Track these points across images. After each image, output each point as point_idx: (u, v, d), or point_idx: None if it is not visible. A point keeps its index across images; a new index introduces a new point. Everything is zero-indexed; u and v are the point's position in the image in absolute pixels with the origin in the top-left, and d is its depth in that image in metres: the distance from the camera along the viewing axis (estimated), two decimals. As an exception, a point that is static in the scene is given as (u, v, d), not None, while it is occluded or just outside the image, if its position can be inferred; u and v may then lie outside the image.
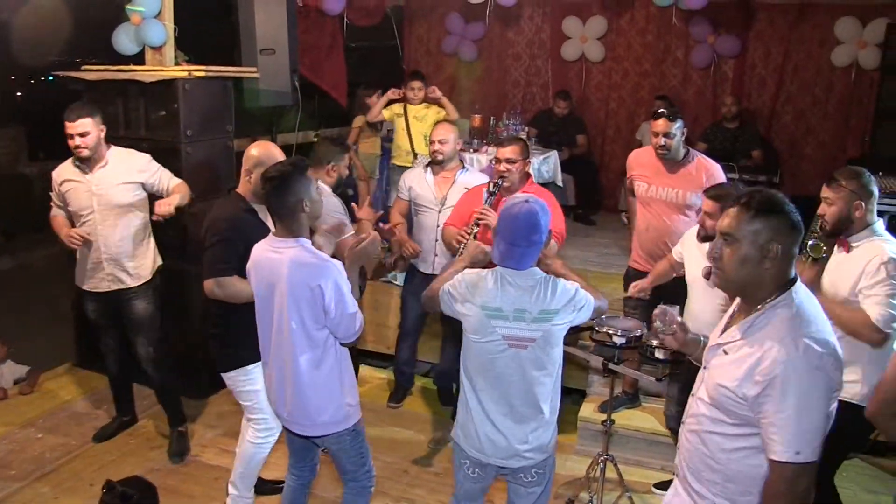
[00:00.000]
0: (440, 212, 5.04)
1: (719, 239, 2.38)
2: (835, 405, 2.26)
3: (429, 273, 5.07)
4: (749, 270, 2.31)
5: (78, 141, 4.48)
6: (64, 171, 4.67)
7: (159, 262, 4.93)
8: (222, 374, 4.01)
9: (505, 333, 3.03)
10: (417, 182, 5.18)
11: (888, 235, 3.47)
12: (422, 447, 5.16)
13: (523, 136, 7.47)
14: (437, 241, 5.06)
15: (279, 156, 3.85)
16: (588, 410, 5.21)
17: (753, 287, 2.34)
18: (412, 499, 4.60)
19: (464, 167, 5.23)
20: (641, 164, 4.85)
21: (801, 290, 2.33)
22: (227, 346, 3.95)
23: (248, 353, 3.81)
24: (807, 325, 2.24)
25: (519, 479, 3.24)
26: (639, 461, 4.99)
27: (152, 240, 4.89)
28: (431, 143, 5.13)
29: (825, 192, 3.50)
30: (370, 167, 7.37)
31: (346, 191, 4.73)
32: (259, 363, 3.77)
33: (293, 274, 3.20)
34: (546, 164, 7.36)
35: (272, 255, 3.28)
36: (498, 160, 4.52)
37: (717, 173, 4.65)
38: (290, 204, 3.22)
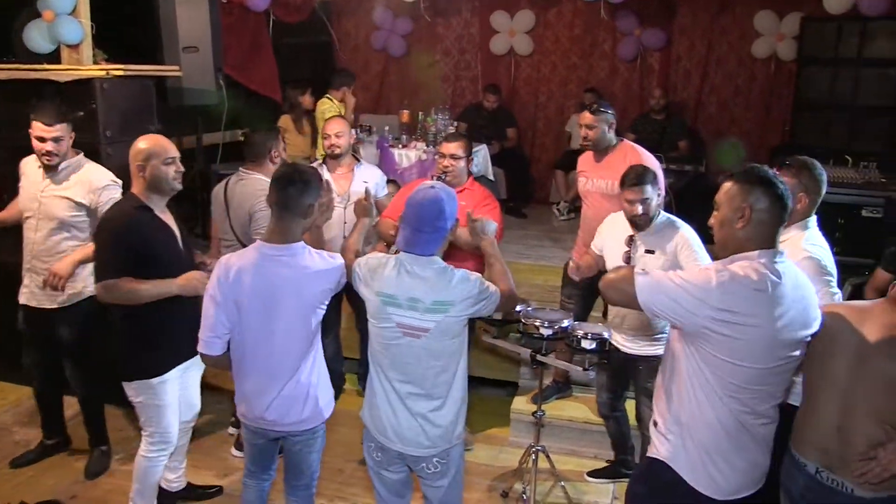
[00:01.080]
0: (346, 207, 4.96)
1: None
2: None
3: None
4: (726, 231, 2.62)
5: (50, 146, 4.23)
6: (27, 164, 4.47)
7: (90, 291, 4.31)
8: (123, 384, 3.81)
9: (399, 321, 3.01)
10: None
11: (817, 235, 3.40)
12: (356, 445, 5.07)
13: (452, 130, 7.48)
14: (345, 236, 4.99)
15: (171, 147, 3.75)
16: (520, 402, 5.24)
17: (733, 248, 2.61)
18: (347, 497, 4.58)
19: (358, 161, 5.23)
20: (584, 159, 4.92)
21: (785, 261, 2.56)
22: (125, 357, 3.79)
23: (151, 365, 3.73)
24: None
25: (422, 471, 3.20)
26: (572, 450, 5.04)
27: (87, 268, 4.35)
28: (327, 137, 5.05)
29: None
30: None
31: None
32: (164, 377, 3.72)
33: (310, 281, 3.19)
34: (476, 157, 7.34)
35: (271, 263, 3.19)
36: (442, 155, 4.56)
37: (645, 159, 4.62)
38: (304, 205, 3.19)
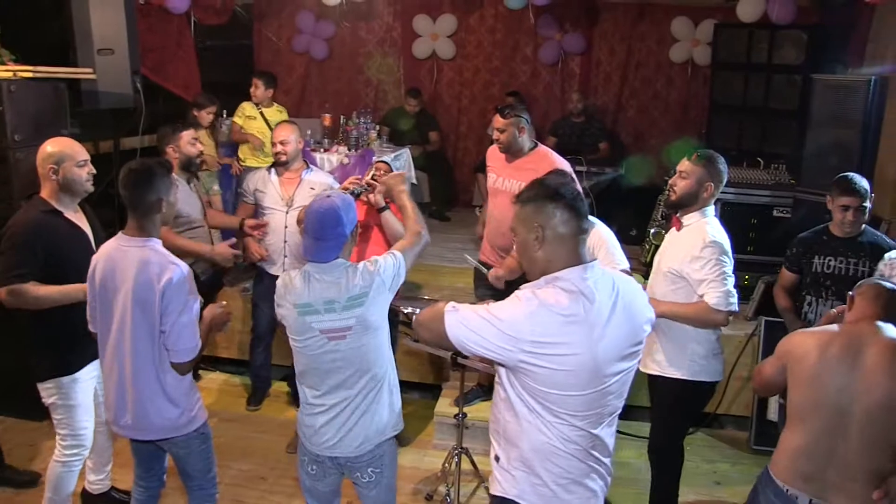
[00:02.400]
0: (287, 213, 4.98)
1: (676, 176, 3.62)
2: None
3: (277, 274, 5.00)
4: (527, 255, 2.45)
5: None
6: None
7: None
8: (37, 385, 3.78)
9: (320, 328, 3.04)
10: (262, 184, 5.11)
11: (714, 220, 3.70)
12: (279, 453, 5.06)
13: (374, 135, 7.47)
14: (286, 242, 5.02)
15: (80, 149, 3.72)
16: (444, 405, 5.26)
17: (539, 271, 2.44)
18: (270, 505, 4.54)
19: (308, 167, 5.22)
20: (494, 156, 4.95)
21: (596, 273, 2.43)
22: (35, 357, 3.75)
23: (60, 363, 3.68)
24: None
25: (358, 479, 3.26)
26: (496, 452, 5.06)
27: None
28: (274, 144, 5.06)
29: (683, 166, 3.68)
30: (208, 184, 6.82)
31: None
32: (75, 375, 3.68)
33: (141, 273, 3.13)
34: (398, 161, 7.37)
35: (117, 253, 3.19)
36: (376, 168, 4.67)
37: (560, 164, 4.69)
38: (149, 201, 3.17)
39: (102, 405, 3.91)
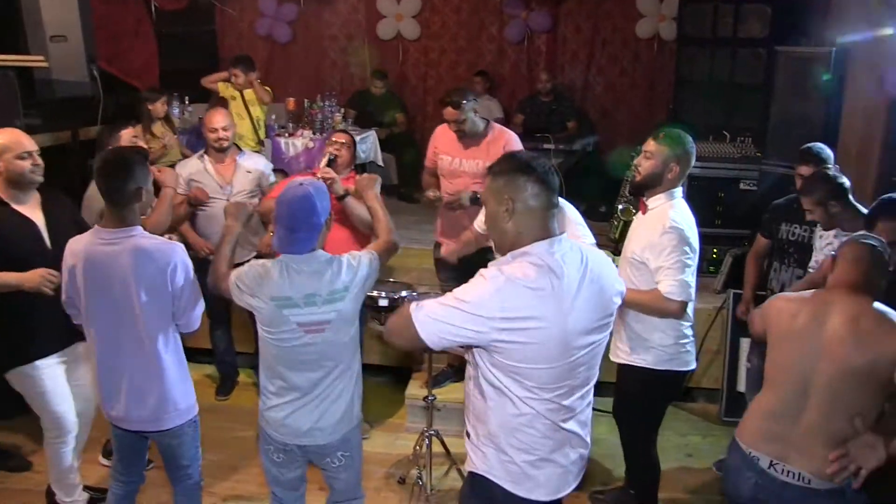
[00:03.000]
0: (228, 199, 4.88)
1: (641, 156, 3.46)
2: None
3: None
4: (497, 228, 2.47)
5: None
6: None
7: None
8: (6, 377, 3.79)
9: (299, 321, 2.99)
10: (197, 173, 4.99)
11: (681, 203, 3.51)
12: (249, 442, 4.99)
13: (339, 118, 7.39)
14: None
15: (26, 141, 3.66)
16: (414, 388, 5.23)
17: (508, 245, 2.46)
18: (241, 495, 4.49)
19: (241, 151, 5.16)
20: (446, 138, 4.88)
21: (564, 246, 2.44)
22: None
23: (17, 352, 3.67)
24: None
25: (327, 465, 3.24)
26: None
27: None
28: (213, 130, 4.94)
29: (648, 146, 3.50)
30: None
31: None
32: (37, 363, 3.68)
33: (141, 263, 3.10)
34: (364, 143, 7.31)
35: (106, 247, 3.13)
36: (333, 141, 4.67)
37: (514, 142, 4.74)
38: (129, 191, 3.13)
39: (80, 398, 3.95)
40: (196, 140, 6.99)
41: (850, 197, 3.91)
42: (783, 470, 2.70)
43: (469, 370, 2.56)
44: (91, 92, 6.02)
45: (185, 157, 6.51)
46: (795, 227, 4.34)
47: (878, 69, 5.36)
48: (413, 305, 2.40)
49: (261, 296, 3.00)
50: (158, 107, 6.44)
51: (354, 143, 4.84)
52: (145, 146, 4.90)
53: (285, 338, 3.01)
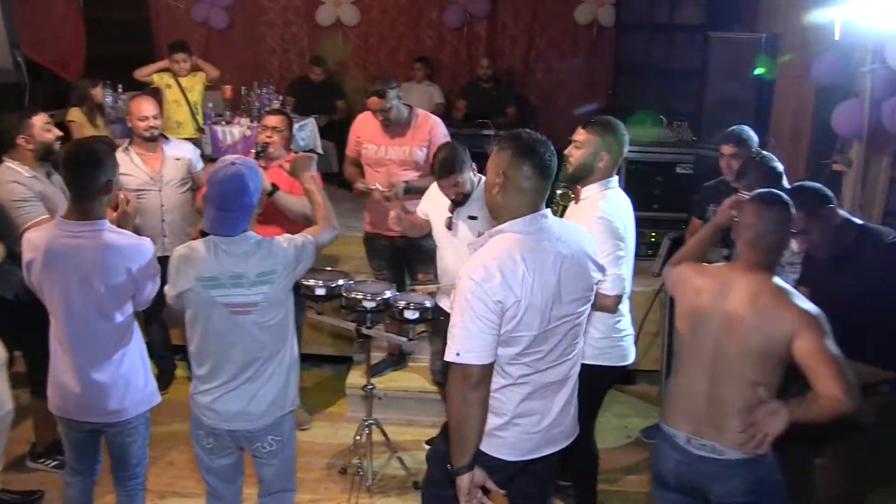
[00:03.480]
0: (161, 190, 4.81)
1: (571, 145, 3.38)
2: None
3: (160, 255, 4.83)
4: (488, 195, 2.66)
5: None
6: None
7: None
8: None
9: (226, 301, 2.94)
10: (124, 166, 4.72)
11: (615, 193, 3.44)
12: (185, 436, 4.92)
13: (277, 105, 7.29)
14: (163, 221, 4.85)
15: None
16: (355, 377, 5.20)
17: (495, 213, 2.67)
18: (180, 491, 4.42)
19: (166, 139, 5.03)
20: (369, 127, 4.86)
21: (545, 222, 2.61)
22: None
23: None
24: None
25: (258, 450, 3.19)
26: (410, 420, 5.06)
27: None
28: (143, 119, 4.79)
29: (577, 135, 3.42)
30: None
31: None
32: None
33: (109, 259, 3.06)
34: (303, 131, 7.21)
35: (70, 240, 3.07)
36: (265, 127, 4.55)
37: (439, 127, 4.79)
38: (100, 184, 3.07)
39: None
40: (128, 132, 6.83)
41: (784, 181, 3.97)
42: (698, 444, 2.77)
43: None
44: (16, 79, 5.85)
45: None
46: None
47: (807, 55, 5.46)
48: (452, 360, 2.51)
49: (187, 276, 2.94)
50: (98, 92, 6.30)
51: (290, 122, 4.70)
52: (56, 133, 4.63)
53: (213, 320, 2.97)
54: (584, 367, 3.45)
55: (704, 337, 2.77)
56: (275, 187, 4.16)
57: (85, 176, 3.07)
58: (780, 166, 4.02)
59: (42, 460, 4.51)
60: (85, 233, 3.08)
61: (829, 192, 3.28)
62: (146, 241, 3.21)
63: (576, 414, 2.86)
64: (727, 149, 4.35)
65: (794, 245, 3.28)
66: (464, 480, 2.56)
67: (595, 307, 3.30)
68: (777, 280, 2.74)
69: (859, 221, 3.36)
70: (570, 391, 2.78)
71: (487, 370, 2.52)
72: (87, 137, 3.41)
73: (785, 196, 2.82)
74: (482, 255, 2.53)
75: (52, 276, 3.12)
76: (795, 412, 2.55)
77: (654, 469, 2.98)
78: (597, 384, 3.53)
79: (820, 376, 2.51)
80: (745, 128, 4.40)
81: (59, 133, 4.28)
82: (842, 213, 3.32)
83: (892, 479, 3.64)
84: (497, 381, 2.58)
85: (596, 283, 2.75)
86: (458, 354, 2.47)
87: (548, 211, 2.61)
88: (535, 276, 2.48)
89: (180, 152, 4.95)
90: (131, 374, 3.27)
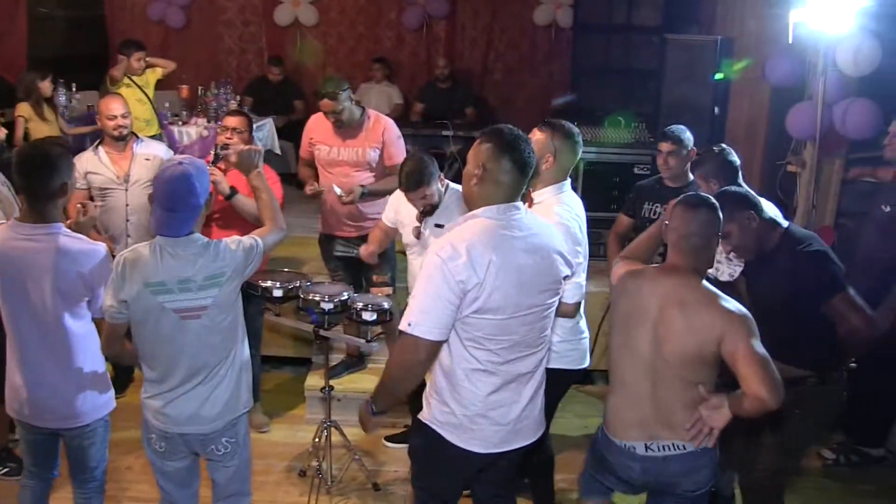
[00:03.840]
0: (127, 190, 4.72)
1: None
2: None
3: None
4: (465, 185, 2.72)
5: None
6: None
7: None
8: None
9: (174, 307, 2.90)
10: (93, 165, 4.73)
11: (570, 197, 3.42)
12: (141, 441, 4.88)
13: (234, 105, 7.24)
14: (128, 220, 4.76)
15: None
16: (314, 379, 5.15)
17: (471, 203, 2.72)
18: (136, 496, 4.36)
19: (138, 138, 4.94)
20: (321, 128, 4.83)
21: (519, 214, 2.66)
22: None
23: None
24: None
25: (212, 454, 3.15)
26: (370, 422, 5.02)
27: None
28: (112, 118, 4.71)
29: (531, 134, 3.29)
30: None
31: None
32: None
33: (63, 263, 3.00)
34: (261, 131, 7.16)
35: (24, 243, 3.02)
36: (225, 128, 4.47)
37: (392, 128, 4.79)
38: (54, 187, 3.02)
39: None
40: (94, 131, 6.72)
41: (739, 178, 4.01)
42: (658, 447, 2.82)
43: None
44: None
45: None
46: (657, 206, 4.47)
47: (761, 57, 5.55)
48: (405, 326, 2.56)
49: (134, 279, 2.88)
50: (46, 85, 6.18)
51: (250, 122, 4.62)
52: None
53: (161, 325, 2.92)
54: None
55: (639, 341, 2.82)
56: (233, 191, 4.11)
57: (39, 180, 3.02)
58: (737, 160, 4.06)
59: None
60: (38, 236, 3.03)
61: (753, 197, 3.36)
62: (100, 246, 3.14)
63: (542, 408, 2.89)
64: (665, 146, 4.38)
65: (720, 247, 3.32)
66: (376, 419, 2.83)
67: (561, 315, 3.33)
68: (704, 283, 2.80)
69: (786, 224, 3.45)
70: (538, 384, 2.81)
71: (436, 346, 2.58)
72: (40, 139, 3.34)
73: (711, 199, 2.89)
74: (452, 235, 2.60)
75: (3, 278, 3.08)
76: (732, 406, 2.67)
77: (620, 480, 3.02)
78: (556, 387, 3.48)
79: (745, 377, 2.61)
80: (683, 127, 4.44)
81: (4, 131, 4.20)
82: (769, 215, 3.41)
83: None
84: (464, 365, 2.63)
85: (564, 278, 2.77)
86: (409, 325, 2.52)
87: (520, 204, 2.66)
88: (502, 262, 2.52)
89: (151, 152, 4.84)
90: (87, 378, 3.22)
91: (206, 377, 3.01)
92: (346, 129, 4.70)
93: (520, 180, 2.63)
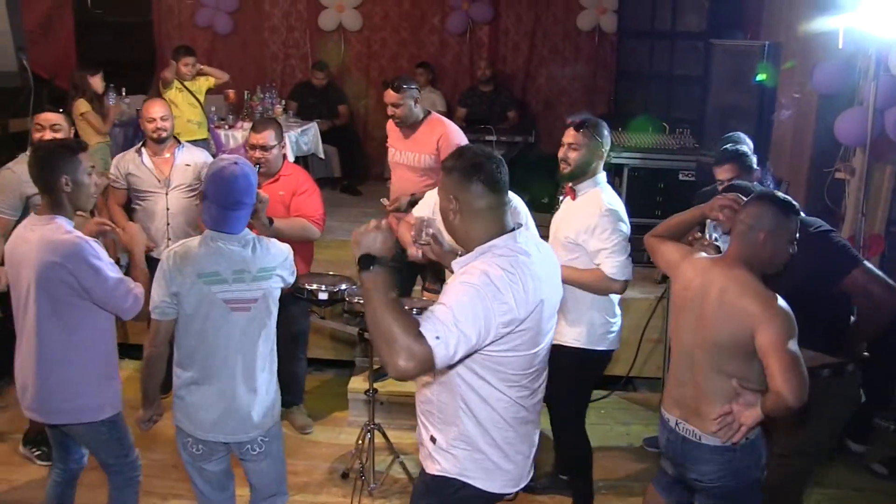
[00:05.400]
0: (167, 194, 4.79)
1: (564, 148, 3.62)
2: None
3: None
4: (447, 224, 2.54)
5: None
6: None
7: None
8: None
9: (226, 297, 2.95)
10: (135, 167, 4.81)
11: (608, 187, 3.75)
12: (189, 438, 4.96)
13: (280, 109, 7.31)
14: (168, 224, 4.81)
15: None
16: (357, 382, 5.20)
17: (461, 240, 2.54)
18: (181, 493, 4.38)
19: (180, 143, 4.99)
20: (392, 130, 4.91)
21: (527, 236, 2.54)
22: None
23: None
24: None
25: (247, 453, 3.17)
26: (412, 426, 4.94)
27: None
28: (151, 120, 4.78)
29: (570, 137, 3.66)
30: (103, 160, 6.19)
31: None
32: None
33: (41, 252, 3.03)
34: (305, 136, 7.24)
35: (27, 234, 3.11)
36: (252, 147, 4.43)
37: (452, 134, 4.72)
38: (50, 180, 3.09)
39: None
40: (133, 134, 6.85)
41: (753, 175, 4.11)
42: (684, 428, 2.93)
43: (428, 376, 2.51)
44: (20, 83, 5.82)
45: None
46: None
47: (809, 63, 5.48)
48: (432, 339, 2.17)
49: (186, 271, 2.92)
50: (97, 81, 6.31)
51: (278, 131, 4.55)
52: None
53: (212, 318, 2.96)
54: (584, 353, 3.69)
55: (685, 331, 2.91)
56: (271, 220, 4.13)
57: (38, 174, 3.13)
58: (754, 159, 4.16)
59: (29, 447, 4.59)
60: (38, 226, 3.11)
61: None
62: (77, 235, 3.08)
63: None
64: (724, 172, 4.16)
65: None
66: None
67: (601, 292, 3.63)
68: (752, 276, 2.77)
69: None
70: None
71: (437, 365, 2.21)
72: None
73: (783, 197, 2.87)
74: (486, 270, 2.32)
75: (10, 269, 3.17)
76: (762, 405, 2.67)
77: (661, 449, 3.17)
78: (596, 370, 3.90)
79: (771, 372, 2.60)
80: (732, 145, 4.32)
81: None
82: None
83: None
84: (499, 406, 2.46)
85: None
86: (437, 338, 2.16)
87: (522, 228, 2.51)
88: (532, 293, 2.36)
89: (191, 158, 4.89)
90: (80, 379, 3.20)
91: (251, 381, 3.05)
92: (408, 130, 4.74)
93: (497, 200, 2.44)
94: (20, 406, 3.35)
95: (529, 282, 2.35)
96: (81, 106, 6.22)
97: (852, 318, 3.38)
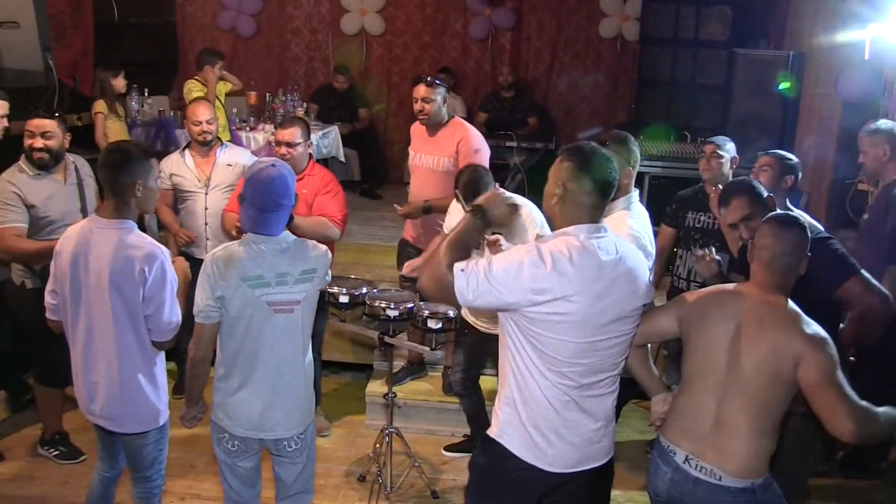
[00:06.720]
0: (207, 194, 4.83)
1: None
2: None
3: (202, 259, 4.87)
4: (546, 204, 2.64)
5: None
6: None
7: None
8: None
9: (269, 300, 2.98)
10: (178, 167, 4.89)
11: (638, 209, 3.48)
12: (207, 439, 4.92)
13: (301, 112, 7.34)
14: (206, 224, 4.85)
15: None
16: (375, 385, 5.20)
17: (551, 222, 2.68)
18: (200, 494, 4.43)
19: (223, 144, 5.03)
20: (415, 132, 4.92)
21: (608, 236, 2.61)
22: None
23: None
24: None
25: (283, 450, 3.20)
26: (429, 430, 5.05)
27: None
28: (198, 123, 4.82)
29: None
30: None
31: None
32: None
33: (118, 256, 3.05)
34: (326, 139, 7.27)
35: (93, 236, 3.11)
36: (278, 143, 4.43)
37: (472, 139, 4.70)
38: (124, 184, 3.09)
39: None
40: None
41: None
42: (697, 465, 2.72)
43: (500, 339, 2.68)
44: (45, 81, 5.88)
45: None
46: (700, 215, 4.52)
47: (833, 73, 5.45)
48: (457, 268, 2.47)
49: (230, 276, 2.94)
50: (119, 82, 6.32)
51: (306, 129, 4.56)
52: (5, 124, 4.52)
53: (256, 319, 2.99)
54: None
55: (714, 353, 2.74)
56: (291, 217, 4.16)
57: (114, 176, 3.10)
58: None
59: (47, 448, 4.61)
60: (108, 230, 3.10)
61: (759, 187, 3.49)
62: (159, 249, 3.12)
63: (613, 431, 2.80)
64: (705, 147, 4.53)
65: (744, 232, 3.38)
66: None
67: None
68: (790, 303, 2.72)
69: (798, 212, 3.45)
70: (612, 406, 2.73)
71: (456, 293, 2.48)
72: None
73: (802, 218, 2.85)
74: (547, 244, 2.51)
75: (72, 269, 3.12)
76: None
77: (649, 487, 2.96)
78: (625, 392, 3.63)
79: (821, 405, 2.54)
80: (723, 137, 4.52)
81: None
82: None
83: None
84: (540, 384, 2.56)
85: (643, 305, 2.69)
86: (462, 271, 2.45)
87: (607, 226, 2.61)
88: (587, 284, 2.46)
89: (234, 158, 4.93)
90: (137, 387, 3.22)
91: (292, 380, 3.10)
92: (430, 131, 4.75)
93: (601, 201, 2.57)
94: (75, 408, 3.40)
95: (587, 270, 2.46)
96: (100, 105, 6.26)
97: (841, 326, 3.36)
